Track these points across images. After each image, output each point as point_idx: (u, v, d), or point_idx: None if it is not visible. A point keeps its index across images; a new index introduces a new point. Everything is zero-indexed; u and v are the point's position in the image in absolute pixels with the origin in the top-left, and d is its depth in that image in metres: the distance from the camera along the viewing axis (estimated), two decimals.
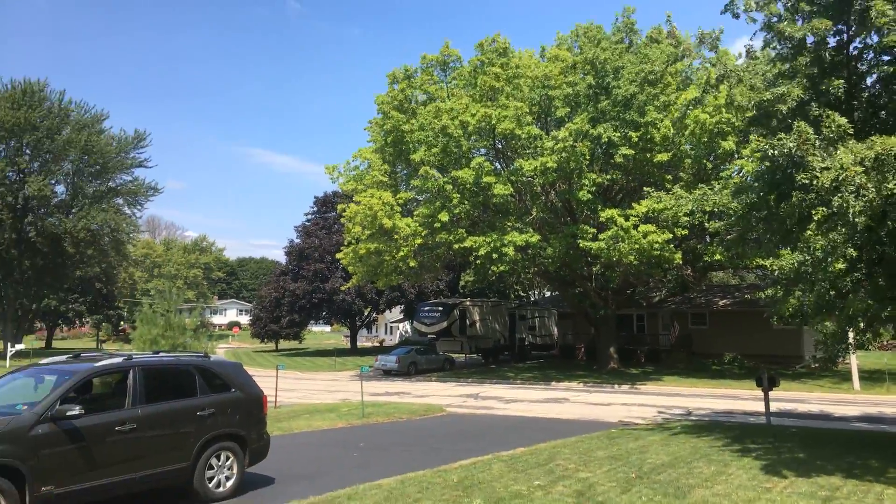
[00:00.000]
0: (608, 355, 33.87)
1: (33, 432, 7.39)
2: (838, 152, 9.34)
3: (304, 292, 52.01)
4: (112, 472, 7.96)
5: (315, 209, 59.09)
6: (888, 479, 9.94)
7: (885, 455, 11.82)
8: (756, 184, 12.50)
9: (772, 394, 16.31)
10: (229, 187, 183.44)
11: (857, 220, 9.04)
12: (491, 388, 27.89)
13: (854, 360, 24.71)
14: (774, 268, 10.40)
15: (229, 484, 9.19)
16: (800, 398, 22.57)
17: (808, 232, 9.71)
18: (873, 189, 8.82)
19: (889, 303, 10.31)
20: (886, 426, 16.23)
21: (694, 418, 17.76)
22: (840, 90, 10.56)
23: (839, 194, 9.17)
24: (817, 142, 9.89)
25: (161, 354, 10.00)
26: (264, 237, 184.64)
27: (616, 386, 27.57)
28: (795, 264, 9.94)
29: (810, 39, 11.23)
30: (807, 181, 9.83)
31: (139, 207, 57.11)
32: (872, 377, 26.55)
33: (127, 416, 8.23)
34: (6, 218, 48.48)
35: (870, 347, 13.50)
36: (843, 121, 9.82)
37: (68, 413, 7.57)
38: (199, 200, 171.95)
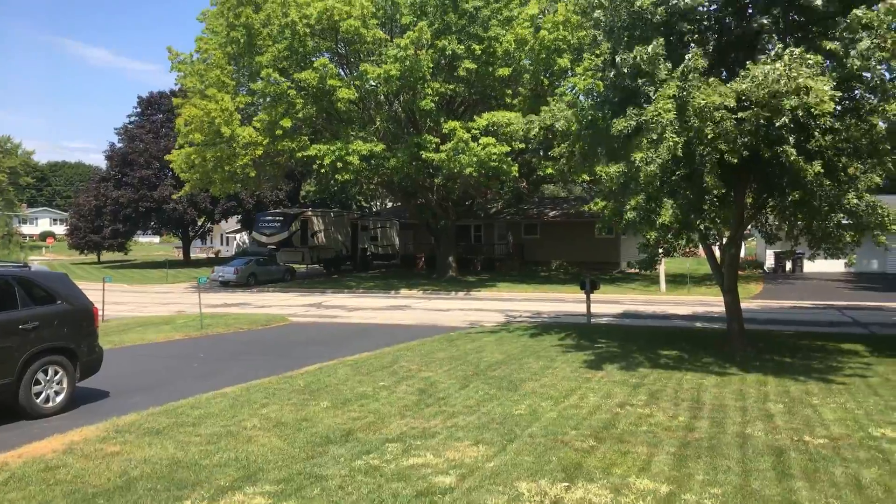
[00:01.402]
0: (447, 264, 35.12)
1: None
2: (662, 92, 10.16)
3: (130, 200, 48.40)
4: None
5: (139, 111, 54.38)
6: (686, 367, 11.44)
7: (685, 347, 13.54)
8: (591, 100, 13.24)
9: (593, 296, 17.91)
10: (34, 81, 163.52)
11: (673, 148, 10.01)
12: (334, 297, 28.07)
13: (662, 266, 27.51)
14: (603, 175, 11.26)
15: (59, 399, 8.74)
16: (616, 300, 24.94)
17: (635, 153, 10.54)
18: (693, 127, 9.84)
19: (695, 213, 11.58)
20: (685, 322, 18.46)
21: (525, 320, 19.10)
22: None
23: (661, 125, 10.06)
24: (665, 67, 10.57)
25: None
26: (79, 140, 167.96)
27: (454, 293, 28.82)
28: (619, 173, 10.82)
29: None
30: (645, 97, 10.57)
31: None
32: (676, 280, 29.78)
33: None
34: None
35: (674, 254, 15.10)
36: (703, 63, 10.49)
37: None
38: None
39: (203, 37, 30.96)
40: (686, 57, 10.55)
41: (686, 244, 13.03)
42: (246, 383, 10.18)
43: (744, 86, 9.79)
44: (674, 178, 11.20)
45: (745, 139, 10.09)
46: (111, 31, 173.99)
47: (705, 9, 11.75)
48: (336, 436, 7.35)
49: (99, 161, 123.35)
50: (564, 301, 24.69)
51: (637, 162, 10.53)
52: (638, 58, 10.63)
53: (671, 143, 9.91)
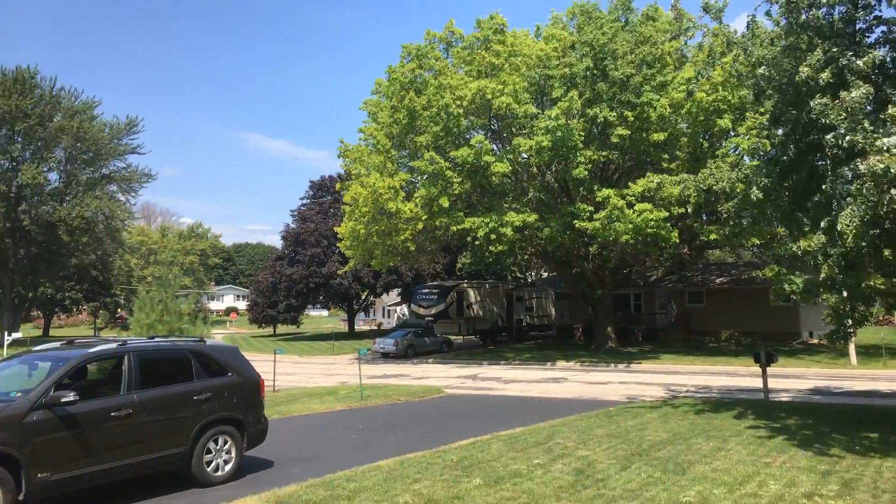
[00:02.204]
0: (606, 335, 33.92)
1: (28, 419, 7.33)
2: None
3: (301, 277, 51.90)
4: (109, 457, 7.92)
5: (311, 193, 58.85)
6: (886, 452, 9.95)
7: (883, 429, 11.83)
8: (758, 160, 12.39)
9: (770, 370, 16.33)
10: (224, 173, 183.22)
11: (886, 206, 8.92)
12: (489, 369, 27.91)
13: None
14: (797, 249, 10.13)
15: (228, 468, 9.16)
16: (798, 374, 22.63)
17: (842, 219, 9.43)
18: None
19: (893, 276, 10.25)
20: (883, 400, 16.27)
21: (692, 395, 17.78)
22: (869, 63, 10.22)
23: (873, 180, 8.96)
24: (867, 122, 9.61)
25: (156, 339, 9.93)
26: (260, 222, 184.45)
27: (614, 365, 27.62)
28: (819, 244, 9.72)
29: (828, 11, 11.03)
30: (842, 157, 9.56)
31: (133, 194, 57.02)
32: (868, 352, 26.63)
33: (123, 401, 8.17)
34: (0, 207, 48.22)
35: (866, 323, 13.46)
36: None
37: (63, 399, 7.50)
38: (193, 187, 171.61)
39: (364, 126, 33.15)
40: None
41: (885, 311, 11.54)
42: (400, 456, 10.16)
43: None
44: (871, 233, 9.94)
45: None
46: (287, 125, 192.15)
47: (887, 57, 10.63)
48: None
49: (276, 241, 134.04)
50: (737, 375, 22.79)
51: (842, 223, 9.41)
52: (827, 114, 9.66)
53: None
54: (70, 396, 7.54)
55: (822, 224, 9.90)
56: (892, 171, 8.81)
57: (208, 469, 8.92)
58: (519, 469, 9.22)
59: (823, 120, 9.84)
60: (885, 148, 9.00)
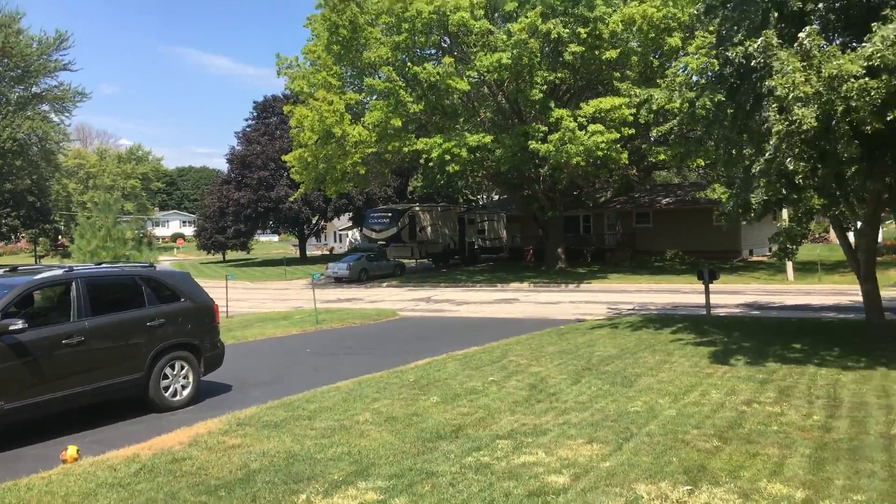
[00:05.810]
0: (556, 256, 34.57)
1: None
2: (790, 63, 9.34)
3: (249, 201, 50.91)
4: (64, 385, 7.83)
5: (256, 115, 57.06)
6: (819, 362, 10.57)
7: (817, 340, 12.54)
8: (711, 86, 12.50)
9: (712, 286, 16.98)
10: (163, 92, 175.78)
11: (806, 126, 9.20)
12: (442, 291, 28.27)
13: None
14: (755, 170, 10.40)
15: (186, 392, 9.18)
16: (738, 290, 23.60)
17: (769, 141, 9.75)
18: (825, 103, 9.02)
19: (833, 196, 10.61)
20: (816, 313, 17.15)
21: (638, 313, 18.41)
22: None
23: (793, 104, 9.26)
24: (782, 51, 9.82)
25: (104, 266, 9.69)
26: (204, 145, 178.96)
27: (564, 285, 28.29)
28: (761, 167, 10.03)
29: None
30: (766, 90, 9.85)
31: (67, 115, 54.60)
32: (805, 268, 27.86)
33: (73, 328, 8.01)
34: None
35: (803, 241, 14.04)
36: (819, 40, 9.67)
37: (11, 328, 7.30)
38: (131, 107, 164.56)
39: (309, 44, 31.83)
40: (801, 35, 9.63)
41: (822, 229, 12.05)
42: (358, 377, 10.33)
43: (870, 50, 8.80)
44: (803, 158, 10.26)
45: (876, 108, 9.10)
46: (227, 40, 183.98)
47: None
48: (446, 432, 7.28)
49: (222, 164, 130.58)
50: (681, 292, 23.65)
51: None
52: (749, 49, 9.94)
53: (807, 120, 9.07)
54: (18, 324, 7.35)
55: (765, 154, 10.19)
56: (785, 92, 9.15)
57: (166, 394, 8.91)
58: (475, 386, 9.49)
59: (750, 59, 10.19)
60: (779, 69, 9.33)
